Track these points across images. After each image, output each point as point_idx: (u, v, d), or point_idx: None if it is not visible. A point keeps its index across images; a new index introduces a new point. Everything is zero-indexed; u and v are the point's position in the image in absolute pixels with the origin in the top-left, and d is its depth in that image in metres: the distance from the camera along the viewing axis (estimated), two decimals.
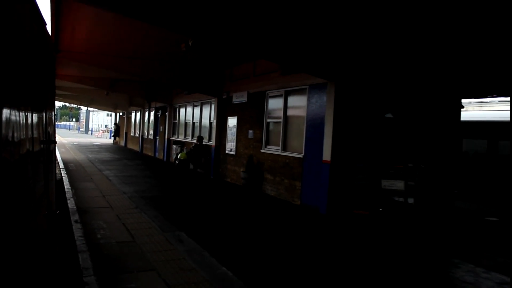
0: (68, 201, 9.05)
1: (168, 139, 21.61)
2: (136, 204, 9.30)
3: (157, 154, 24.17)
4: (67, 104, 52.84)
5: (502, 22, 5.91)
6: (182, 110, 20.38)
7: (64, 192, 10.03)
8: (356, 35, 7.51)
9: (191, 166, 16.22)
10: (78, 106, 56.68)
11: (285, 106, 11.38)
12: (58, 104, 63.02)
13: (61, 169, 14.29)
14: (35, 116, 3.27)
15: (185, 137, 19.56)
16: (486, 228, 9.33)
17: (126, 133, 34.47)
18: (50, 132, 4.53)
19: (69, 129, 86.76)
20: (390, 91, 9.97)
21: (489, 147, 12.74)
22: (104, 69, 14.39)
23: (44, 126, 3.89)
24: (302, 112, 10.57)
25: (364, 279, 5.52)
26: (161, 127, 23.65)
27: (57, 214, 5.27)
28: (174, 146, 19.42)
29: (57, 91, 20.72)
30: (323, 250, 6.83)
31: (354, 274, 5.69)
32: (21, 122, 2.44)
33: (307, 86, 10.31)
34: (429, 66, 8.82)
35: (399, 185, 8.99)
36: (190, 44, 8.93)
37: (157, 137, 24.37)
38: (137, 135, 30.14)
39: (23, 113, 2.56)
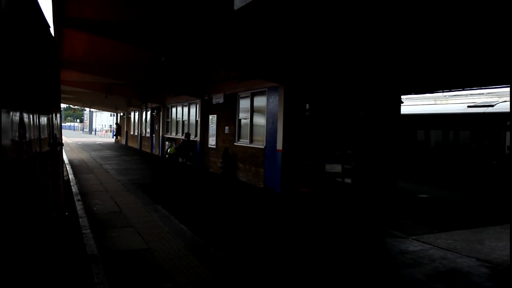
0: (72, 187, 11.30)
1: (163, 136, 23.84)
2: (127, 189, 11.53)
3: (153, 150, 26.42)
4: (71, 106, 55.22)
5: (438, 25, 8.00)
6: (174, 110, 22.61)
7: (69, 183, 12.27)
8: (298, 46, 9.65)
9: (181, 160, 18.44)
10: (81, 108, 59.04)
11: (252, 106, 13.55)
12: (62, 105, 65.52)
13: (66, 165, 16.54)
14: (42, 119, 3.80)
15: (176, 134, 21.78)
16: (417, 203, 11.47)
17: (126, 132, 36.78)
18: (57, 135, 6.37)
19: (74, 129, 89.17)
20: (333, 90, 12.09)
21: (424, 136, 14.96)
22: (101, 76, 16.61)
23: (51, 129, 5.70)
24: (263, 110, 12.73)
25: (303, 242, 7.73)
26: (156, 125, 25.89)
27: (66, 215, 7.37)
28: (166, 143, 21.63)
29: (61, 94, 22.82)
30: (270, 218, 9.04)
31: (294, 237, 7.90)
32: (28, 125, 2.73)
33: (266, 89, 12.47)
34: (367, 68, 10.91)
35: (338, 168, 11.16)
36: (162, 60, 11.11)
37: (154, 135, 26.61)
38: (136, 133, 32.41)
39: (31, 117, 2.83)
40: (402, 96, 13.66)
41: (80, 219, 7.77)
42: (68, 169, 15.24)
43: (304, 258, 6.19)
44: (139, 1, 8.41)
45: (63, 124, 78.02)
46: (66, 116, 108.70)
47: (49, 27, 4.66)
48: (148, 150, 27.91)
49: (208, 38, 8.99)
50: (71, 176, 13.40)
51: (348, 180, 11.38)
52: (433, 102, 17.45)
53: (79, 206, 8.88)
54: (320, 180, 11.23)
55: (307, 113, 11.73)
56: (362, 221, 8.86)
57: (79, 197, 9.87)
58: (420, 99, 18.09)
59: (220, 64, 10.60)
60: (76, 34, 11.15)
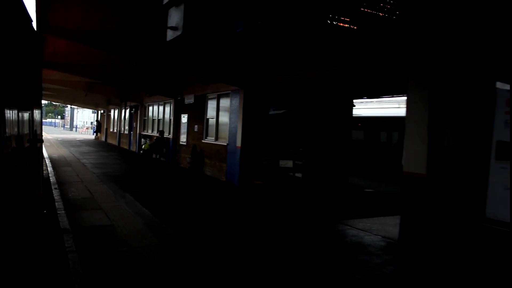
0: (51, 178, 12.49)
1: (140, 133, 25.01)
2: (101, 180, 12.78)
3: (131, 147, 27.55)
4: (53, 102, 55.80)
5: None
6: (150, 109, 23.82)
7: (48, 175, 13.44)
8: (254, 57, 11.02)
9: (155, 156, 19.69)
10: (63, 104, 59.59)
11: (218, 106, 14.90)
12: (43, 102, 65.94)
13: (45, 159, 17.65)
14: (22, 115, 3.90)
15: (152, 131, 23.00)
16: (360, 196, 12.96)
17: (106, 129, 37.76)
18: (37, 131, 7.48)
19: (55, 126, 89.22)
20: (288, 93, 13.50)
21: (370, 136, 16.57)
22: (81, 76, 17.77)
23: (31, 125, 6.87)
24: (227, 111, 14.08)
25: (246, 223, 9.11)
26: (134, 123, 27.04)
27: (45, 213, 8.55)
28: (142, 140, 22.83)
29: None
30: (222, 205, 10.42)
31: (238, 219, 9.28)
32: (7, 120, 2.79)
33: (230, 91, 13.82)
34: (316, 75, 12.32)
35: (290, 164, 12.59)
36: (134, 64, 12.39)
37: (131, 132, 27.75)
38: (115, 130, 33.46)
39: (11, 113, 2.88)
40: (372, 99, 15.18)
41: (56, 203, 9.02)
42: (47, 163, 16.37)
43: (243, 235, 7.59)
44: (113, 14, 9.68)
45: (44, 121, 77.83)
46: (47, 113, 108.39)
47: (31, 21, 4.62)
48: (126, 147, 29.01)
49: (172, 49, 10.29)
50: (50, 169, 14.55)
51: (299, 175, 12.82)
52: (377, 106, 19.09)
53: (56, 193, 10.11)
54: (275, 174, 12.63)
55: (265, 114, 13.10)
56: (302, 208, 10.29)
57: (56, 186, 11.09)
58: (379, 102, 19.68)
59: (187, 70, 11.94)
60: (58, 39, 12.34)
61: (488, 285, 5.38)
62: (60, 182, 11.79)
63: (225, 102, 14.45)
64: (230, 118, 13.83)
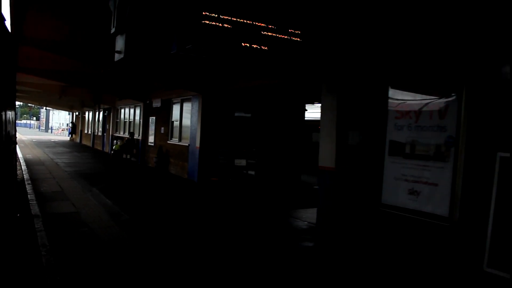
0: (24, 175, 13.62)
1: (113, 135, 26.09)
2: (72, 177, 13.96)
3: (104, 148, 28.58)
4: (28, 103, 56.04)
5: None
6: (122, 111, 24.96)
7: (22, 172, 14.55)
8: (210, 66, 12.37)
9: (125, 156, 20.86)
10: (37, 106, 59.83)
11: (181, 110, 16.23)
12: (17, 103, 65.90)
13: (19, 158, 18.67)
14: None
15: (124, 133, 24.14)
16: (308, 191, 14.43)
17: (81, 130, 38.59)
18: (11, 132, 8.68)
19: (30, 127, 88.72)
20: (244, 98, 14.91)
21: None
22: (54, 80, 18.85)
23: (3, 126, 8.04)
24: (189, 114, 15.42)
25: (197, 211, 10.47)
26: (107, 125, 28.10)
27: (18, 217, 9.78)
28: (114, 141, 23.95)
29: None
30: (179, 198, 11.76)
31: (191, 209, 10.64)
32: None
33: (191, 96, 15.17)
34: (268, 82, 13.75)
35: (243, 162, 14.00)
36: (101, 71, 13.63)
37: (105, 134, 28.78)
38: (89, 132, 34.37)
39: None
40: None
41: (28, 195, 10.23)
42: (22, 162, 17.41)
43: (190, 219, 8.96)
44: (80, 28, 10.93)
45: (18, 122, 77.06)
46: (22, 114, 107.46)
47: (4, 19, 4.65)
48: (99, 148, 30.00)
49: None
50: (24, 167, 15.64)
51: (252, 172, 14.25)
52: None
53: (28, 187, 11.30)
54: (231, 172, 14.03)
55: (223, 117, 14.49)
56: (247, 199, 11.71)
57: (29, 182, 12.26)
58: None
59: (150, 78, 13.27)
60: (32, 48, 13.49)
61: (378, 251, 6.90)
62: (33, 179, 12.94)
63: (187, 106, 15.78)
64: (191, 121, 15.16)
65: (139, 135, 20.99)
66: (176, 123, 16.71)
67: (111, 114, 26.92)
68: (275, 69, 9.81)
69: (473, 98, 5.83)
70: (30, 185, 11.68)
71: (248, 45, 6.16)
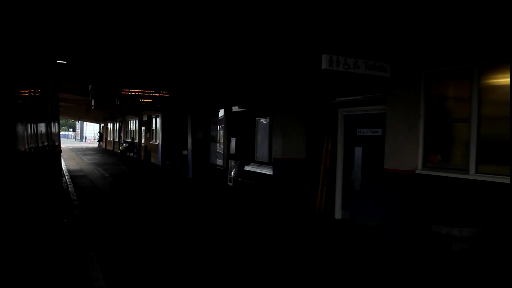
0: (63, 167, 23.77)
1: (124, 140, 36.25)
2: (88, 164, 24.04)
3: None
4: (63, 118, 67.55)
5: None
6: (130, 122, 35.12)
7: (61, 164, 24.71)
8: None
9: (129, 154, 30.91)
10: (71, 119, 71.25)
11: (156, 122, 26.08)
12: None
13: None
14: (50, 128, 16.22)
15: (130, 138, 34.26)
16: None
17: (105, 138, 49.25)
18: (55, 142, 18.61)
19: (68, 138, 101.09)
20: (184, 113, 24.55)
21: None
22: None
23: (51, 135, 17.93)
24: (160, 125, 25.18)
25: (156, 176, 20.40)
26: (121, 133, 38.35)
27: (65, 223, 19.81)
28: (123, 144, 34.08)
29: None
30: (146, 172, 21.67)
31: (153, 175, 20.57)
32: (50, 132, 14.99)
33: (160, 113, 24.94)
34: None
35: (185, 152, 23.67)
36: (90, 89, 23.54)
37: (120, 140, 39.06)
38: (111, 139, 44.86)
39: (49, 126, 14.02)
40: None
41: (64, 173, 20.25)
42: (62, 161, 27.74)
43: (148, 180, 18.78)
44: (86, 83, 20.80)
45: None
46: (61, 126, 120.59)
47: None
48: (118, 151, 40.32)
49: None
50: (63, 163, 25.87)
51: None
52: None
53: (64, 168, 21.37)
54: (178, 157, 23.70)
55: (175, 125, 24.15)
56: (184, 170, 21.35)
57: (65, 169, 22.37)
58: None
59: (130, 108, 23.21)
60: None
61: (208, 179, 16.54)
62: (67, 166, 23.07)
63: (158, 120, 25.59)
64: (161, 129, 24.94)
65: (136, 139, 31.00)
66: (155, 130, 26.61)
67: (123, 125, 37.16)
68: (158, 107, 19.51)
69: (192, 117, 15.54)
70: (66, 168, 21.77)
71: (143, 100, 15.89)
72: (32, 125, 3.48)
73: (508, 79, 5.87)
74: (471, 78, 6.66)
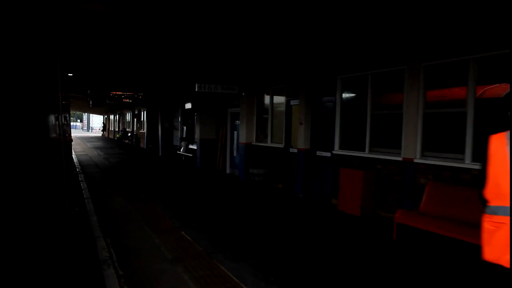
0: (73, 152, 30.88)
1: (120, 130, 43.20)
2: (90, 148, 31.12)
3: None
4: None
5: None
6: (126, 115, 42.10)
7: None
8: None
9: (125, 140, 37.92)
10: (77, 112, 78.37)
11: (143, 115, 33.00)
12: None
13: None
14: (62, 119, 23.43)
15: (123, 128, 41.25)
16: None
17: (108, 128, 56.39)
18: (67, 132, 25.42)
19: (75, 128, 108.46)
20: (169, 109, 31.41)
21: None
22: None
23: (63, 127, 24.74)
24: (145, 117, 32.07)
25: (142, 157, 27.52)
26: (120, 124, 45.36)
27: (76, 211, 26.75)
28: (121, 133, 41.08)
29: None
30: (138, 155, 28.77)
31: (140, 156, 27.69)
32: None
33: (145, 108, 31.82)
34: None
35: (156, 145, 30.62)
36: (88, 92, 30.42)
37: (119, 129, 46.07)
38: (112, 129, 51.95)
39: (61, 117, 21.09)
40: None
41: (73, 155, 27.30)
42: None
43: (137, 160, 25.85)
44: (87, 86, 27.65)
45: None
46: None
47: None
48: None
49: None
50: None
51: (160, 141, 30.96)
52: None
53: (74, 155, 28.43)
54: (156, 143, 30.59)
55: (157, 118, 31.03)
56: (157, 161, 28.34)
57: (73, 152, 29.42)
58: None
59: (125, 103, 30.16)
60: None
61: (172, 157, 23.56)
62: (74, 149, 30.12)
63: (144, 114, 32.47)
64: (146, 122, 31.82)
65: (131, 129, 37.97)
66: (142, 122, 33.53)
67: (121, 116, 44.17)
68: (145, 103, 26.46)
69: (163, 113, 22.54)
70: (73, 151, 28.83)
71: (124, 99, 22.86)
72: (50, 118, 4.83)
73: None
74: (269, 94, 13.54)
